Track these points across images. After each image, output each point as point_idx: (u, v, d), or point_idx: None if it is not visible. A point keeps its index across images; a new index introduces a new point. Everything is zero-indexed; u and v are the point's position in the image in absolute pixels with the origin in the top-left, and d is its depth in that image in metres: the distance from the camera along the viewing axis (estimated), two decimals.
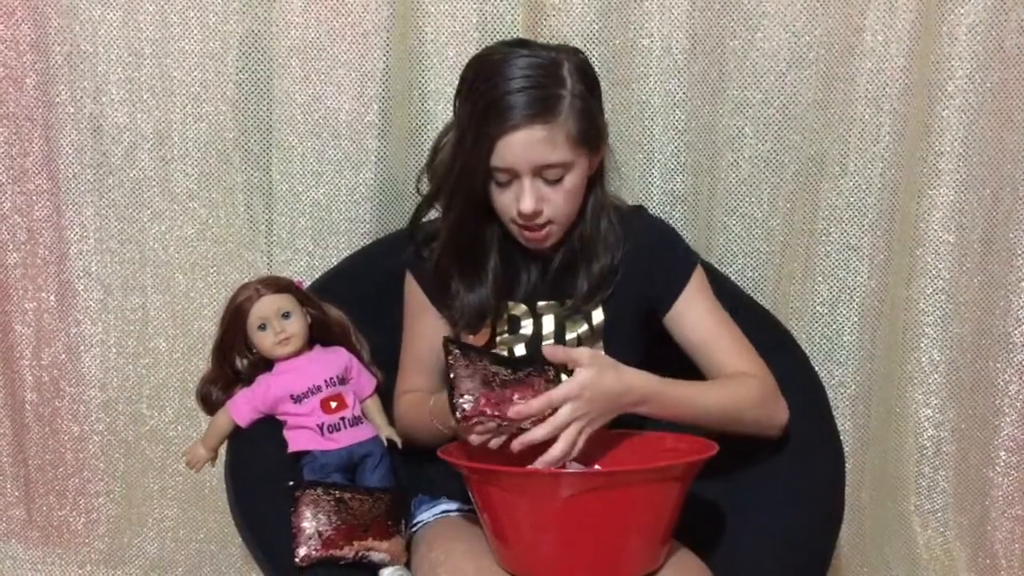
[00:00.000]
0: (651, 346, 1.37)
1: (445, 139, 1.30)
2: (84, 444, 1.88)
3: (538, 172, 1.22)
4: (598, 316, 1.34)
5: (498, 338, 1.35)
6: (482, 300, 1.32)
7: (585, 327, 1.34)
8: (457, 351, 1.14)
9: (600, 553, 1.10)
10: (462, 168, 1.24)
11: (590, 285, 1.32)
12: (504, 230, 1.32)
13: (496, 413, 1.11)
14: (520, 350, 1.34)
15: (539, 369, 1.16)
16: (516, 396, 1.12)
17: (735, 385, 1.28)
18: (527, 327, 1.35)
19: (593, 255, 1.32)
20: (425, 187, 1.34)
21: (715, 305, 1.35)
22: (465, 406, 1.11)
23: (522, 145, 1.19)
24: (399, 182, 1.71)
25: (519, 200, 1.23)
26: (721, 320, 1.34)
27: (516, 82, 1.18)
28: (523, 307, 1.35)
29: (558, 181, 1.23)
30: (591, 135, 1.24)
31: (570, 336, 1.34)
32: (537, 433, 1.11)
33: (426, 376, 1.39)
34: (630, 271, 1.34)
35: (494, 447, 1.14)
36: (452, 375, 1.13)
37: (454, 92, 1.28)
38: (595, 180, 1.31)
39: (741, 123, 1.67)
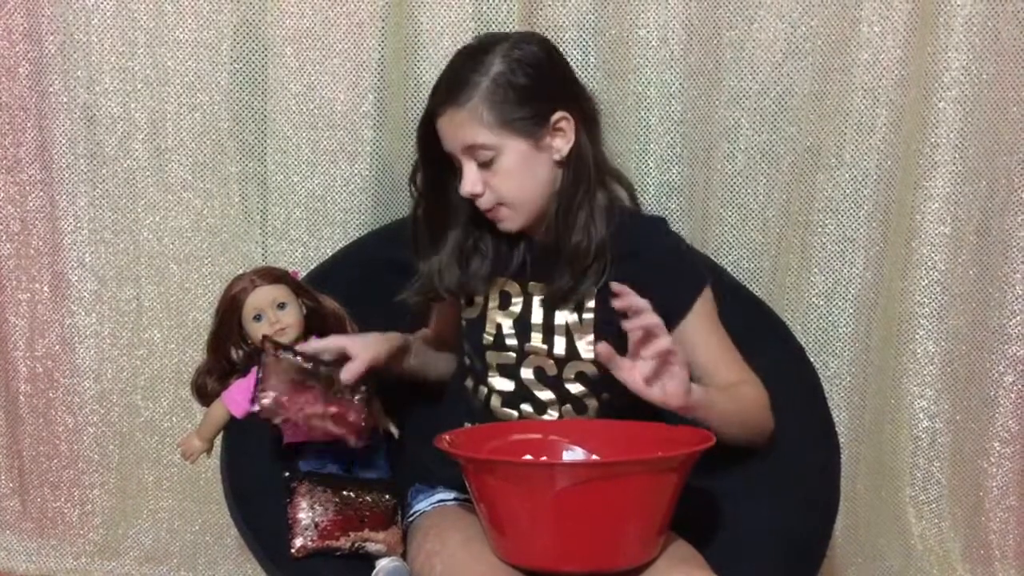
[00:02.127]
0: None
1: None
2: (79, 435, 1.88)
3: (469, 154, 1.25)
4: (589, 312, 1.32)
5: (488, 311, 1.35)
6: (436, 267, 1.34)
7: (575, 317, 1.32)
8: (271, 350, 1.27)
9: (596, 543, 1.10)
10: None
11: (571, 268, 1.30)
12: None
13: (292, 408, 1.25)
14: (508, 327, 1.34)
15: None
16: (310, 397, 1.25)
17: (746, 390, 1.31)
18: (517, 305, 1.35)
19: (567, 238, 1.29)
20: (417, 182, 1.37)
21: (717, 327, 1.34)
22: (264, 401, 1.24)
23: (445, 128, 1.25)
24: (394, 173, 1.71)
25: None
26: (723, 344, 1.34)
27: (444, 70, 1.27)
28: (516, 285, 1.35)
29: (490, 164, 1.25)
30: (514, 119, 1.23)
31: (558, 323, 1.33)
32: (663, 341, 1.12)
33: None
34: (631, 278, 1.27)
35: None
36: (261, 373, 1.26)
37: None
38: (568, 165, 1.28)
39: (737, 114, 1.67)
